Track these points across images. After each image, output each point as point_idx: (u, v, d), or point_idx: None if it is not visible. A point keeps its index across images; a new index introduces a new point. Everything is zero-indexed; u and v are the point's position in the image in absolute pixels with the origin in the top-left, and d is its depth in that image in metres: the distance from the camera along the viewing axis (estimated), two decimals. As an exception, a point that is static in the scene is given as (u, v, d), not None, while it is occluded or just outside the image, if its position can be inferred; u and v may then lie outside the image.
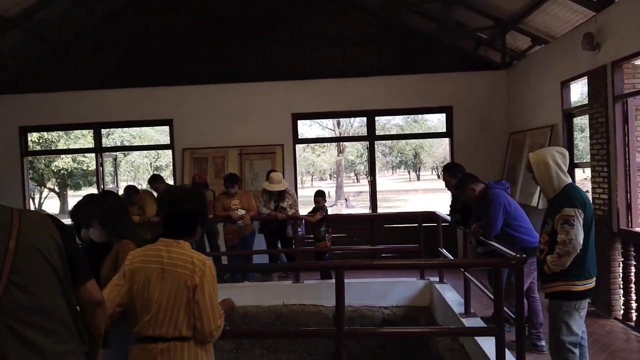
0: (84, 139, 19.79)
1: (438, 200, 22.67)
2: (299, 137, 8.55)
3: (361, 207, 21.49)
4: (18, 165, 8.35)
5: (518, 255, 3.31)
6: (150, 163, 25.98)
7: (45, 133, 15.86)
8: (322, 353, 5.86)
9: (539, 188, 5.94)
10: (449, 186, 5.05)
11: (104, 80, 8.29)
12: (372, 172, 8.40)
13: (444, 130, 8.50)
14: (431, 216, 6.27)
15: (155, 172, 25.03)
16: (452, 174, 4.91)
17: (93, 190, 26.48)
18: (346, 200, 25.41)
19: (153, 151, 23.38)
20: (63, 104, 8.24)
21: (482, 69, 8.09)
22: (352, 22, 8.39)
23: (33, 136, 15.24)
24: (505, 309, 3.37)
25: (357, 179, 39.67)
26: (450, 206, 5.32)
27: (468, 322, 4.60)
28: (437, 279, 6.06)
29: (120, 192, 7.86)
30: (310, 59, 8.35)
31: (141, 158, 25.58)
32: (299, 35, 8.41)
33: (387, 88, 8.08)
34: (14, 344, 1.58)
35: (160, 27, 8.40)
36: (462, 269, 4.89)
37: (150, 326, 2.15)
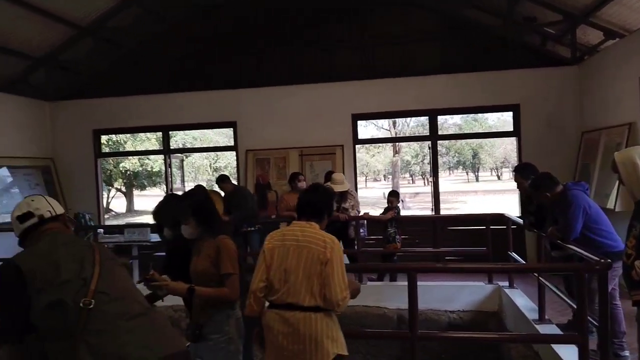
0: (149, 141, 20.65)
1: (498, 201, 21.95)
2: (359, 137, 8.53)
3: (418, 209, 21.14)
4: (92, 167, 8.83)
5: (602, 260, 3.13)
6: (210, 164, 26.75)
7: (114, 135, 16.69)
8: (386, 355, 5.80)
9: (615, 190, 5.70)
10: (520, 187, 4.86)
11: (171, 84, 8.63)
12: (434, 173, 8.21)
13: (510, 129, 8.20)
14: (500, 218, 6.05)
15: (214, 173, 26.07)
16: (523, 174, 4.72)
17: (158, 190, 27.66)
18: (402, 201, 25.03)
19: (213, 153, 24.07)
20: (133, 108, 8.63)
21: (550, 65, 7.74)
22: (414, 20, 8.27)
23: (103, 138, 16.05)
24: (587, 316, 3.20)
25: (412, 179, 39.10)
26: (522, 208, 5.11)
27: (543, 329, 4.41)
28: (506, 283, 5.85)
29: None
30: (371, 58, 8.32)
31: (201, 159, 26.39)
32: (360, 35, 8.40)
33: (451, 86, 7.89)
34: None
35: (224, 32, 8.65)
36: (536, 274, 4.69)
37: (290, 294, 2.52)
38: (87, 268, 1.83)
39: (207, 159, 26.41)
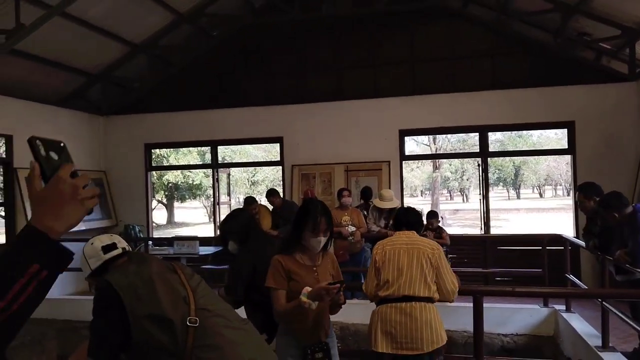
0: (190, 155, 21.12)
1: (541, 220, 21.29)
2: (406, 154, 8.45)
3: (458, 226, 20.72)
4: (142, 180, 9.06)
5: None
6: (248, 178, 27.10)
7: (158, 149, 17.18)
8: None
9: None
10: (582, 207, 4.68)
11: (219, 100, 8.80)
12: (485, 191, 8.03)
13: (563, 146, 7.96)
14: (557, 239, 5.84)
15: (252, 187, 26.40)
16: (587, 194, 4.54)
17: (197, 202, 28.16)
18: (442, 218, 24.61)
19: (251, 167, 24.37)
20: (183, 123, 8.84)
21: (605, 81, 7.49)
22: (462, 35, 8.18)
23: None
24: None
25: (450, 196, 38.44)
26: (585, 229, 4.91)
27: (607, 356, 4.20)
28: (562, 306, 5.62)
29: (232, 204, 8.22)
30: (418, 74, 8.26)
31: (240, 173, 26.77)
32: (408, 51, 8.36)
33: (501, 102, 7.75)
34: None
35: (271, 49, 8.78)
36: (599, 300, 4.48)
37: (406, 287, 2.96)
38: (179, 287, 1.86)
39: (245, 173, 26.78)
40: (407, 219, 3.29)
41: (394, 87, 8.25)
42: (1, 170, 7.41)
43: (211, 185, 25.83)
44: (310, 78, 8.68)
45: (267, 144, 13.20)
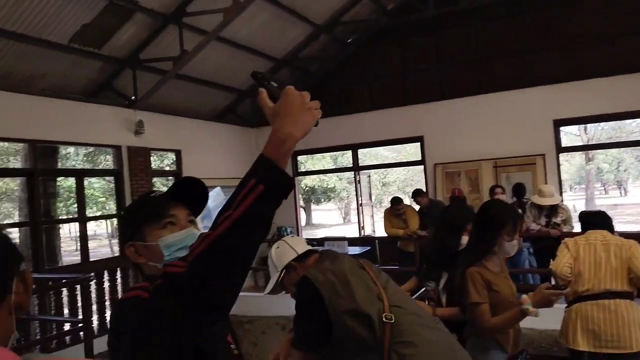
0: (324, 160, 21.82)
1: None
2: (562, 145, 7.79)
3: (619, 222, 18.46)
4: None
5: None
6: (379, 180, 27.15)
7: (301, 156, 18.13)
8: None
9: None
10: None
11: (357, 104, 8.96)
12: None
13: None
14: None
15: (383, 188, 26.38)
16: None
17: (332, 205, 28.96)
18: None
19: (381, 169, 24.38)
20: (325, 129, 9.07)
21: None
22: (622, 13, 7.30)
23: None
24: None
25: (605, 190, 34.52)
26: None
27: None
28: None
29: (374, 206, 8.27)
30: (572, 59, 7.55)
31: (371, 175, 26.88)
32: (559, 35, 7.69)
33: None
34: None
35: (406, 48, 8.71)
36: None
37: (606, 281, 2.97)
38: (371, 284, 1.90)
39: (376, 175, 26.86)
40: (596, 220, 3.28)
41: (545, 74, 7.64)
42: (174, 181, 8.35)
43: (344, 188, 25.99)
44: (448, 73, 8.43)
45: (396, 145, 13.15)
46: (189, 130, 8.23)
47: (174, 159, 8.36)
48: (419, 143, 8.58)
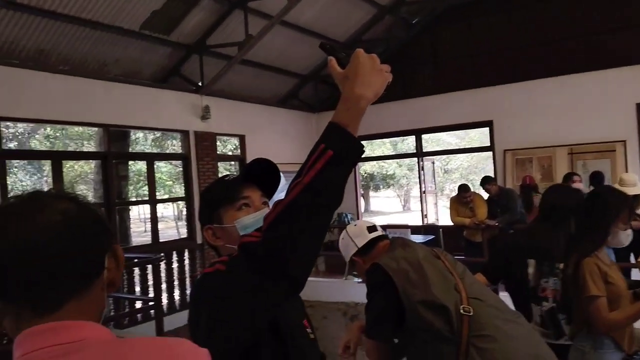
0: (384, 146, 21.53)
1: None
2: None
3: None
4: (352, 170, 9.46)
5: None
6: (441, 167, 26.50)
7: (365, 141, 17.92)
8: None
9: None
10: None
11: (423, 88, 8.69)
12: None
13: None
14: None
15: (445, 175, 25.74)
16: None
17: (390, 192, 28.66)
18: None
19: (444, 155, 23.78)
20: (388, 113, 8.94)
21: None
22: None
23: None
24: None
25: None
26: None
27: None
28: None
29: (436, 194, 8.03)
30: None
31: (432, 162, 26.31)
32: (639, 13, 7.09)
33: None
34: None
35: (473, 27, 8.33)
36: None
37: None
38: (447, 274, 1.81)
39: (439, 161, 26.21)
40: None
41: (625, 54, 7.06)
42: (237, 166, 8.52)
43: (404, 175, 25.49)
44: (520, 54, 7.97)
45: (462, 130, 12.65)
46: (252, 116, 8.32)
47: (237, 144, 8.49)
48: (488, 128, 8.22)
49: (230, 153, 9.98)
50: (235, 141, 8.60)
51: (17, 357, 0.70)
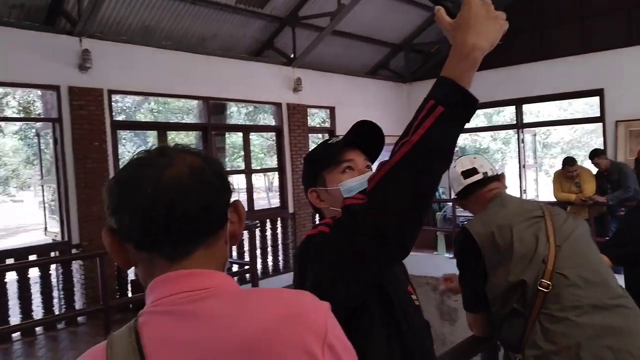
0: (477, 118, 20.57)
1: None
2: None
3: None
4: (443, 143, 9.16)
5: None
6: (540, 141, 24.79)
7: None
8: None
9: None
10: None
11: (524, 54, 8.09)
12: None
13: None
14: None
15: (544, 150, 24.12)
16: None
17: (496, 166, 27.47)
18: None
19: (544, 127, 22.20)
20: (488, 82, 8.46)
21: None
22: None
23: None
24: None
25: None
26: None
27: None
28: None
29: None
30: None
31: (529, 135, 24.73)
32: None
33: None
34: None
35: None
36: None
37: None
38: (542, 241, 1.62)
39: (537, 135, 24.54)
40: None
41: None
42: (325, 138, 8.57)
43: (499, 149, 24.31)
44: (637, 15, 7.14)
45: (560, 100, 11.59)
46: (341, 87, 8.29)
47: (325, 117, 8.53)
48: (598, 97, 7.52)
49: (317, 126, 10.07)
50: (322, 114, 8.63)
51: (150, 302, 0.73)
